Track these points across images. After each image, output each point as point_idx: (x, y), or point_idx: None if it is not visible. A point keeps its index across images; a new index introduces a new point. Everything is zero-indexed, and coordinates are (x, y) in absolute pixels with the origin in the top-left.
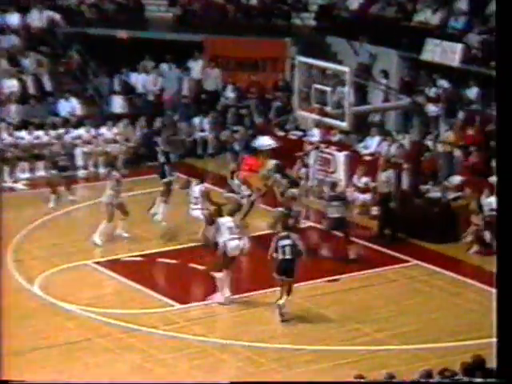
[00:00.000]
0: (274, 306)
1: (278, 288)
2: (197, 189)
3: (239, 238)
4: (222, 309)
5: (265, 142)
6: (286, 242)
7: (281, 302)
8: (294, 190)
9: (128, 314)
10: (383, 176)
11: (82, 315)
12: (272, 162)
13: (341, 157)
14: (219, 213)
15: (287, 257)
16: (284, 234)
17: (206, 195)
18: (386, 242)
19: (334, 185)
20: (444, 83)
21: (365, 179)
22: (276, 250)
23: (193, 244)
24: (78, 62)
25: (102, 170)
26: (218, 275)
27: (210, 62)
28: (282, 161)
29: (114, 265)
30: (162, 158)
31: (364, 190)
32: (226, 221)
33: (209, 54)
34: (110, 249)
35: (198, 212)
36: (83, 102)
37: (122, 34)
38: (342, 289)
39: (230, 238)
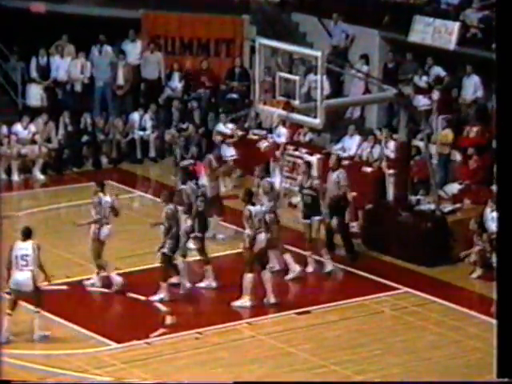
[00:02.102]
0: (231, 344)
1: (238, 323)
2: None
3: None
4: (168, 347)
5: (228, 151)
6: None
7: None
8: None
9: (50, 355)
10: (333, 176)
11: None
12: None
13: (313, 161)
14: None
15: None
16: None
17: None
18: (349, 259)
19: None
20: (439, 70)
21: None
22: None
23: (131, 269)
24: None
25: (15, 178)
26: (247, 276)
27: (150, 44)
28: (240, 166)
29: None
30: None
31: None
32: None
33: (148, 34)
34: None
35: None
36: None
37: (39, 6)
38: (314, 323)
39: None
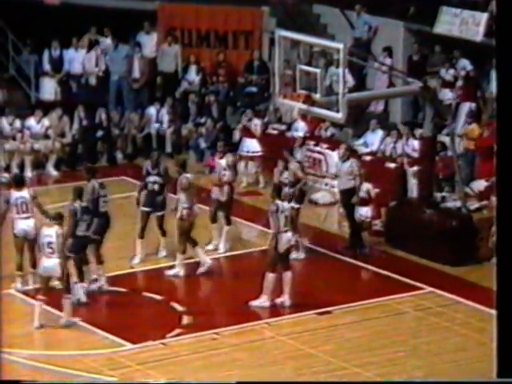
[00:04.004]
0: (250, 345)
1: (257, 323)
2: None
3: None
4: (184, 348)
5: (253, 147)
6: None
7: None
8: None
9: (64, 355)
10: (344, 167)
11: (4, 359)
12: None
13: (334, 157)
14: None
15: None
16: None
17: None
18: (358, 253)
19: None
20: (466, 63)
21: (366, 186)
22: None
23: (147, 267)
24: None
25: (28, 174)
26: (269, 276)
27: (167, 37)
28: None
29: (47, 294)
30: None
31: (365, 201)
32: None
33: (164, 26)
34: None
35: None
36: (2, 85)
37: None
38: (335, 323)
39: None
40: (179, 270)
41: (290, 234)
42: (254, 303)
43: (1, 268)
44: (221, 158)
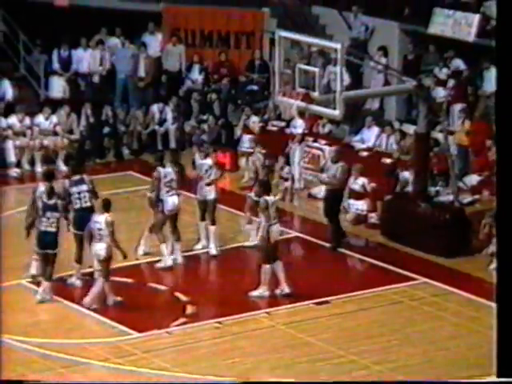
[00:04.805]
0: (251, 334)
1: (257, 313)
2: None
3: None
4: (188, 337)
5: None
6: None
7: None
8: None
9: (72, 344)
10: (333, 168)
11: (14, 347)
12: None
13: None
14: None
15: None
16: None
17: None
18: (331, 248)
19: None
20: (459, 63)
21: (362, 180)
22: None
23: (152, 259)
24: (4, 33)
25: (38, 169)
26: (265, 267)
27: (172, 37)
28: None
29: (56, 285)
30: None
31: (360, 195)
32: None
33: (169, 27)
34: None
35: None
36: (14, 83)
37: (62, 0)
38: (333, 313)
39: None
40: (167, 260)
41: (278, 225)
42: (254, 294)
43: (1, 260)
44: (205, 157)
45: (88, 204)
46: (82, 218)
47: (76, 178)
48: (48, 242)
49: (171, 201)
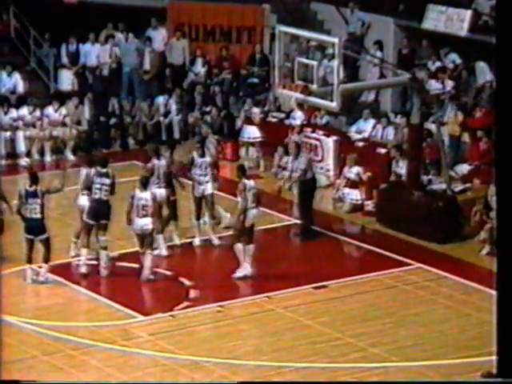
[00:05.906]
0: (252, 317)
1: (258, 297)
2: None
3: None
4: (192, 320)
5: (253, 133)
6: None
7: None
8: None
9: (81, 327)
10: (300, 162)
11: (26, 329)
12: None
13: (329, 142)
14: (243, 174)
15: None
16: None
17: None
18: (303, 238)
19: None
20: (455, 57)
21: (356, 169)
22: None
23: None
24: (15, 29)
25: (48, 158)
26: (237, 246)
27: (175, 32)
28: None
29: (64, 270)
30: None
31: (355, 183)
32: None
33: (173, 22)
34: (58, 251)
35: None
36: (24, 77)
37: None
38: (330, 297)
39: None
40: (162, 250)
41: (255, 210)
42: (238, 275)
43: (1, 249)
44: (203, 155)
45: (105, 198)
46: (96, 210)
47: (103, 170)
48: (34, 228)
49: (158, 192)
